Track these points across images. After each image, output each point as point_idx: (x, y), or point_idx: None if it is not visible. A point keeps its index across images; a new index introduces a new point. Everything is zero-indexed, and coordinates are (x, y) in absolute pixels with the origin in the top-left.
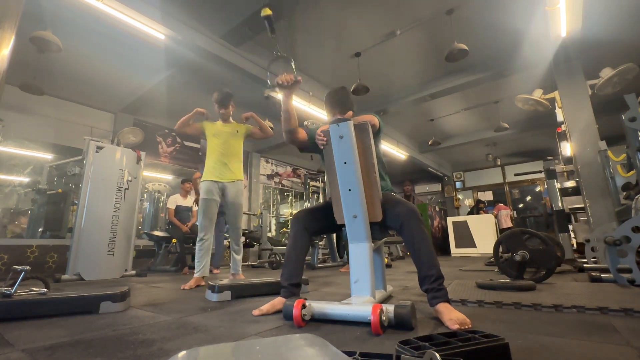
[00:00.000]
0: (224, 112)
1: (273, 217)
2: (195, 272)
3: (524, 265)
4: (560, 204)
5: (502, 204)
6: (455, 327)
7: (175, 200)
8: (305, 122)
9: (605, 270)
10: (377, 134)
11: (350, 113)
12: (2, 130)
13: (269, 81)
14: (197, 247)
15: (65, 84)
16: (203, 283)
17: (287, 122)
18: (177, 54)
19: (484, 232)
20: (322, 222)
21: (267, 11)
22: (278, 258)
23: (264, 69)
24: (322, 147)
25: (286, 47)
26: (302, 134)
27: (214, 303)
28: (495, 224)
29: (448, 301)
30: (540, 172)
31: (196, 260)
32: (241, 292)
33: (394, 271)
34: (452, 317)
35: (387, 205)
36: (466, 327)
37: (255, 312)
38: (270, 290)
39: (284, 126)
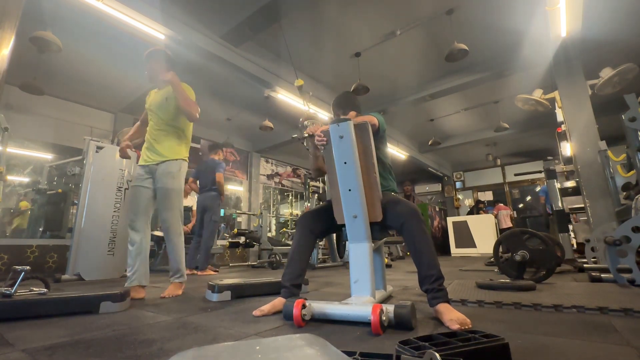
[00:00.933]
0: (148, 69)
1: (273, 217)
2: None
3: (524, 265)
4: (560, 204)
5: (502, 204)
6: (455, 327)
7: None
8: (306, 122)
9: (605, 270)
10: (377, 134)
11: (352, 113)
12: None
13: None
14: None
15: (65, 84)
16: (141, 294)
17: (314, 164)
18: (177, 54)
19: (484, 232)
20: (327, 223)
21: (300, 82)
22: (278, 258)
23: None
24: (322, 148)
25: (286, 47)
26: (324, 166)
27: (214, 303)
28: (495, 224)
29: (448, 301)
30: (540, 172)
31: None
32: (241, 292)
33: (394, 271)
34: (453, 317)
35: (387, 204)
36: (466, 327)
37: (256, 312)
38: (270, 290)
39: (312, 166)
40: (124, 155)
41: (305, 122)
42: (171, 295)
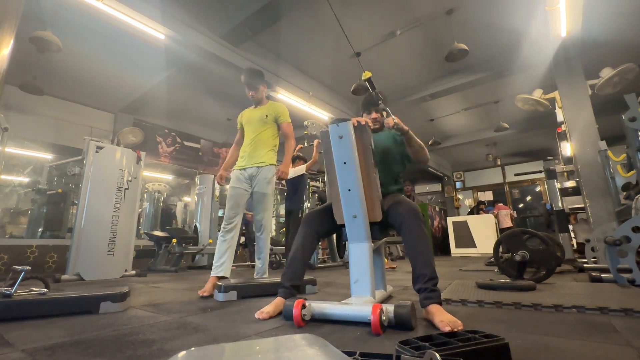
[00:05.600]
0: (253, 94)
1: (273, 217)
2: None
3: (524, 265)
4: (560, 204)
5: (501, 204)
6: (447, 329)
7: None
8: (305, 122)
9: (605, 270)
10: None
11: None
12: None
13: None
14: (220, 239)
15: (65, 84)
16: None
17: None
18: (177, 54)
19: (484, 232)
20: (331, 223)
21: (367, 74)
22: (278, 258)
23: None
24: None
25: (286, 47)
26: None
27: (214, 303)
28: (496, 224)
29: (440, 303)
30: (540, 172)
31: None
32: (247, 292)
33: (394, 271)
34: (444, 319)
35: (388, 203)
36: (457, 329)
37: (258, 314)
38: (276, 290)
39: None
40: (220, 182)
41: (305, 122)
42: None
